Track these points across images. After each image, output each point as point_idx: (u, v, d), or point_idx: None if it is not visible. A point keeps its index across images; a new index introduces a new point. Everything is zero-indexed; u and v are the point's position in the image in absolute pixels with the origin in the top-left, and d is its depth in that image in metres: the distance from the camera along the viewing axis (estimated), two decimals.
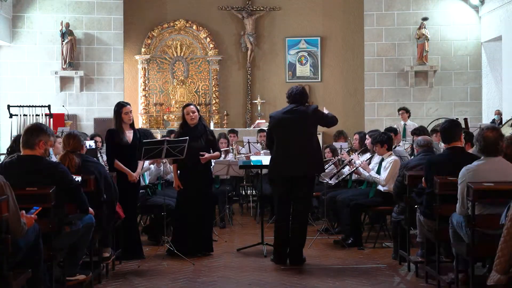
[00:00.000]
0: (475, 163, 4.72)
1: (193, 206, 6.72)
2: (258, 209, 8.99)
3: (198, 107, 13.97)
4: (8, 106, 11.60)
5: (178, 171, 6.85)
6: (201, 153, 6.69)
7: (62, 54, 13.19)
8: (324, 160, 9.02)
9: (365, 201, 7.20)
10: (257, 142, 10.17)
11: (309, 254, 6.63)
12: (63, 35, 13.12)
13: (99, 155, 7.83)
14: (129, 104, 6.77)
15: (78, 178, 5.06)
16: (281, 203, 6.43)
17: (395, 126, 10.11)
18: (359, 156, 7.84)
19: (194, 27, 14.73)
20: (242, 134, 11.26)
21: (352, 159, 7.63)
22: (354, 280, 5.67)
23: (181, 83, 14.73)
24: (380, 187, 7.15)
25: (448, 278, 5.02)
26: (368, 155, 7.81)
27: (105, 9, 13.57)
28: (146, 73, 14.61)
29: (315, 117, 6.37)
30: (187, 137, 6.53)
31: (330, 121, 6.53)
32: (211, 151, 6.86)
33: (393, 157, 7.17)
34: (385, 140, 7.25)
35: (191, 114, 6.81)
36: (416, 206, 5.56)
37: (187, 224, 6.74)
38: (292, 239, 6.37)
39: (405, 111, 12.14)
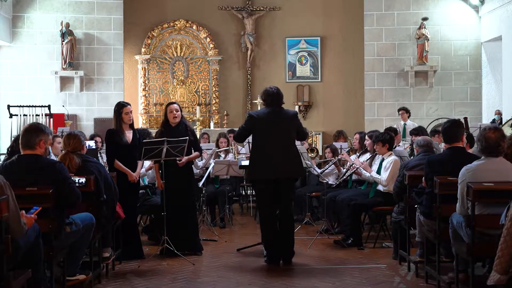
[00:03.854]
0: (475, 163, 4.71)
1: (175, 206, 6.68)
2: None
3: (198, 107, 14.23)
4: (8, 106, 11.60)
5: (160, 171, 6.83)
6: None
7: (62, 54, 13.18)
8: (324, 160, 9.06)
9: (365, 201, 7.20)
10: None
11: (309, 254, 6.64)
12: (63, 35, 13.10)
13: (99, 155, 7.84)
14: (130, 104, 6.78)
15: (82, 180, 5.07)
16: (265, 204, 6.44)
17: (395, 126, 10.11)
18: (359, 157, 7.84)
19: (194, 27, 14.72)
20: None
21: (353, 163, 7.61)
22: (354, 280, 5.67)
23: (181, 83, 14.72)
24: (380, 187, 7.16)
25: (448, 278, 5.02)
26: (368, 155, 7.81)
27: (105, 9, 13.56)
28: (146, 73, 14.60)
29: (295, 121, 6.45)
30: (187, 137, 6.53)
31: (302, 132, 6.63)
32: (192, 151, 6.84)
33: (393, 157, 7.18)
34: (387, 139, 7.26)
35: (174, 112, 6.78)
36: (416, 206, 5.57)
37: (171, 223, 6.66)
38: (282, 240, 6.32)
39: (405, 111, 12.14)
